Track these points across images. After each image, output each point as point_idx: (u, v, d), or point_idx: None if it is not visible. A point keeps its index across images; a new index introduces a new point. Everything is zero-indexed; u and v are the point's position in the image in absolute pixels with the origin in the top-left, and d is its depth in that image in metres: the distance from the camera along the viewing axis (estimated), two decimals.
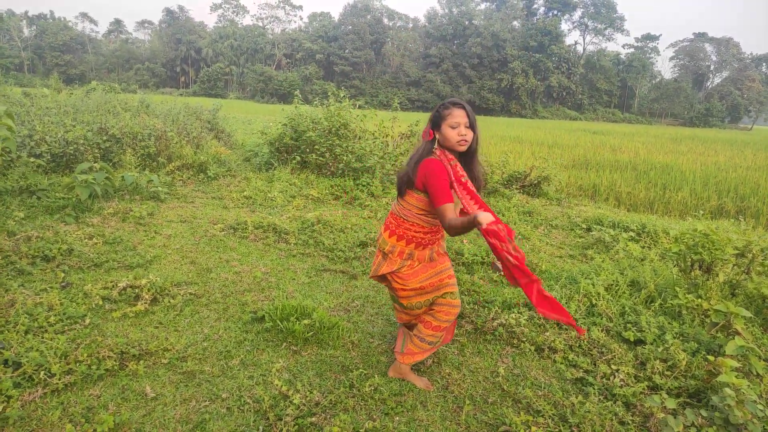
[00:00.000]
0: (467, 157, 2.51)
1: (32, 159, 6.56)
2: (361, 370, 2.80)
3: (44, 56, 75.36)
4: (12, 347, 2.65)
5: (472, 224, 2.11)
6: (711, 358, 2.67)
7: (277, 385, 2.55)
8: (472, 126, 2.41)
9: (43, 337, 2.82)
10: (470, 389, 2.73)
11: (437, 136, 2.45)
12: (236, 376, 2.69)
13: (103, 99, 11.31)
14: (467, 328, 3.40)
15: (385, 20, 77.35)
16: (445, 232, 2.61)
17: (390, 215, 2.65)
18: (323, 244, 4.98)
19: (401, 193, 2.55)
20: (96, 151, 7.36)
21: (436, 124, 2.44)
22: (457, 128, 2.38)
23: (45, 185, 5.99)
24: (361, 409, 2.49)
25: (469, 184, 2.46)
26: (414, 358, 2.74)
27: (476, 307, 3.68)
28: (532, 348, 3.15)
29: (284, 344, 3.05)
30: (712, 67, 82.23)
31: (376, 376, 2.74)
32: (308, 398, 2.49)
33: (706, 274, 3.84)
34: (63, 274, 3.79)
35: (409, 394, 2.64)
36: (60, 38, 74.89)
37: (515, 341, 3.23)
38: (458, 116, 2.38)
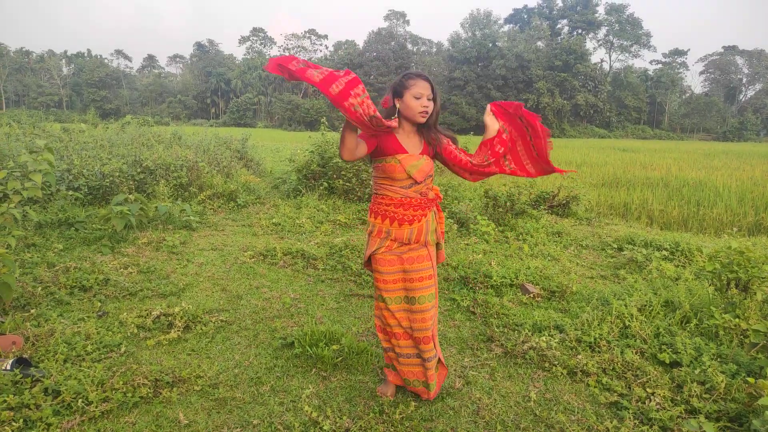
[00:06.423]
0: (425, 129, 2.53)
1: (70, 192, 6.82)
2: None
3: (81, 92, 78.84)
4: (51, 375, 2.73)
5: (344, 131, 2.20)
6: (751, 380, 2.58)
7: (307, 411, 2.57)
8: (434, 99, 2.43)
9: (80, 366, 2.90)
10: (502, 414, 2.69)
11: (398, 105, 2.45)
12: (267, 403, 2.72)
13: (137, 132, 11.72)
14: (497, 352, 3.37)
15: (409, 46, 78.34)
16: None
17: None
18: (351, 269, 5.01)
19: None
20: (131, 182, 7.62)
21: (398, 93, 2.45)
22: (420, 99, 2.40)
23: (82, 217, 6.22)
24: None
25: None
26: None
27: (506, 330, 3.65)
28: (564, 371, 3.09)
29: (314, 370, 3.06)
30: (744, 80, 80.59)
31: (407, 402, 2.73)
32: (338, 424, 2.50)
33: (743, 293, 3.73)
34: (99, 304, 3.91)
35: (440, 420, 2.61)
36: (96, 75, 78.20)
37: (547, 365, 3.17)
38: (422, 87, 2.40)
